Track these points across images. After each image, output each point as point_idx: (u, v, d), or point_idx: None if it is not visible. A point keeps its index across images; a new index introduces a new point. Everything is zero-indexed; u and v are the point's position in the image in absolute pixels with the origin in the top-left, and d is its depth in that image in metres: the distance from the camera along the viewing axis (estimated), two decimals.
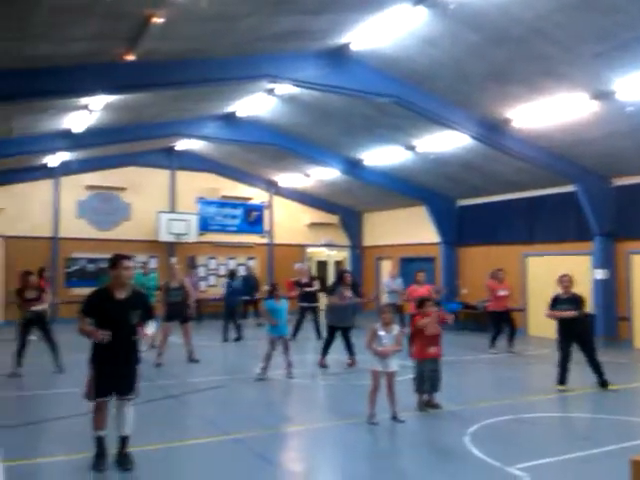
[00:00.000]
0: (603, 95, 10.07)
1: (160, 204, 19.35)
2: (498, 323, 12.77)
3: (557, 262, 14.54)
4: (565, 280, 8.98)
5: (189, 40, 9.25)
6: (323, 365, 10.49)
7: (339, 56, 10.63)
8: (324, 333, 11.27)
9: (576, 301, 8.91)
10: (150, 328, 5.62)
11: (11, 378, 9.38)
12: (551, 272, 14.37)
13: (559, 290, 9.02)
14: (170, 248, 19.31)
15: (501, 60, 9.70)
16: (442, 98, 11.70)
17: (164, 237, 18.82)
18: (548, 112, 11.12)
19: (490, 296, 12.96)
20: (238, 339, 13.87)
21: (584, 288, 10.29)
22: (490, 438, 6.36)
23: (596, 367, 8.86)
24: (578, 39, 8.68)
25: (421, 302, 7.78)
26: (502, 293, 12.81)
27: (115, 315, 5.34)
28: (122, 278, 5.41)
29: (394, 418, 6.89)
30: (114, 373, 5.35)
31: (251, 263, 20.52)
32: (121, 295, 5.42)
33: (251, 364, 10.81)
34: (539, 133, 12.26)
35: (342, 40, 10.17)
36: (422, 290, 11.94)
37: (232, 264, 20.32)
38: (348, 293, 10.64)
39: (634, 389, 9.36)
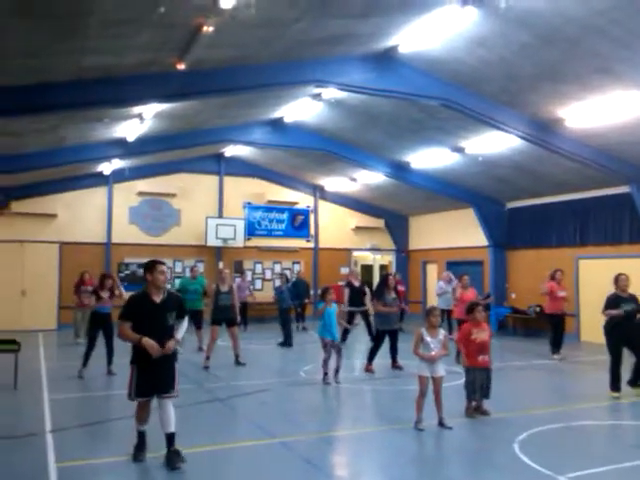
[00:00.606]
0: None
1: (208, 209, 19.68)
2: (557, 325, 12.41)
3: (611, 265, 14.07)
4: (624, 279, 8.80)
5: (237, 47, 9.39)
6: (369, 370, 10.45)
7: (386, 59, 10.60)
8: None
9: (636, 301, 8.71)
10: (180, 332, 5.84)
11: (79, 379, 9.73)
12: (604, 276, 13.95)
13: (615, 290, 8.75)
14: (217, 253, 19.62)
15: (553, 59, 9.49)
16: (491, 99, 11.52)
17: (212, 242, 19.12)
18: (602, 111, 10.81)
19: (549, 298, 12.55)
20: (283, 344, 13.94)
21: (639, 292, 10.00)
22: (540, 446, 6.21)
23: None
24: (634, 36, 8.41)
25: (471, 307, 7.64)
26: (561, 294, 12.50)
27: (153, 318, 5.60)
28: (158, 282, 5.69)
29: (441, 424, 6.81)
30: (153, 374, 5.56)
31: (297, 267, 20.64)
32: (158, 298, 5.68)
33: (297, 368, 10.88)
34: (592, 132, 11.94)
35: (389, 43, 10.14)
36: (469, 294, 11.79)
37: (277, 268, 20.52)
38: (392, 295, 10.61)
39: None
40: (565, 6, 8.03)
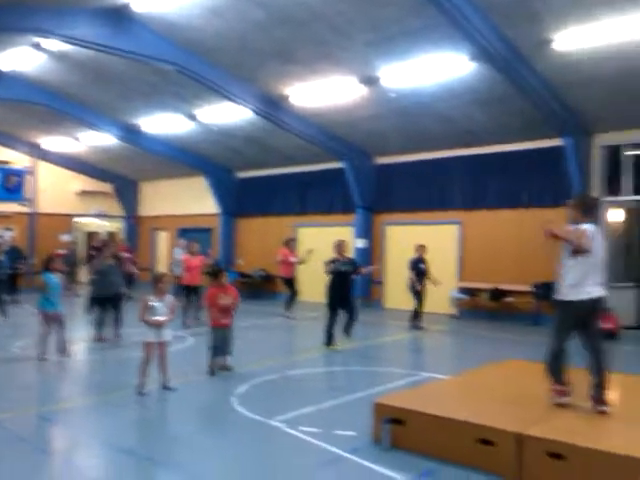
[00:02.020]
0: (370, 80, 11.18)
1: None
2: (292, 287, 13.65)
3: (324, 232, 15.79)
4: (343, 245, 10.03)
5: None
6: (101, 339, 10.10)
7: (122, 17, 10.18)
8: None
9: (354, 264, 10.11)
10: None
11: None
12: (319, 241, 15.62)
13: (335, 255, 9.90)
14: None
15: (283, 39, 10.17)
16: (226, 70, 11.87)
17: None
18: (322, 92, 11.99)
19: (282, 263, 13.68)
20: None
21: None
22: (256, 396, 6.79)
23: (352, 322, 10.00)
24: (354, 27, 9.47)
25: (216, 273, 8.00)
26: (293, 260, 13.73)
27: None
28: None
29: (165, 387, 6.98)
30: None
31: (9, 234, 18.59)
32: None
33: (9, 343, 9.90)
34: (314, 112, 13.15)
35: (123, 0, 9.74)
36: (195, 261, 12.16)
37: None
38: (109, 262, 10.38)
39: (383, 343, 10.80)
40: None
